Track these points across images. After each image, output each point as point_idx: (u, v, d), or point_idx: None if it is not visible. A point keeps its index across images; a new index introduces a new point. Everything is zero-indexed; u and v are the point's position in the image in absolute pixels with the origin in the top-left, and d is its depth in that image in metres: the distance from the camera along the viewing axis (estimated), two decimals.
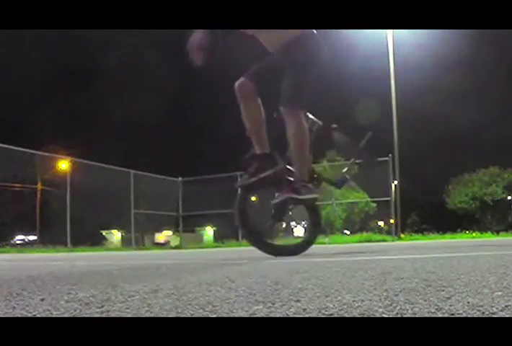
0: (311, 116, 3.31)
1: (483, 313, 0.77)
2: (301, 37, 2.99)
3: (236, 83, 3.05)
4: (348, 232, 23.51)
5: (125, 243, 18.86)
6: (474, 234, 14.39)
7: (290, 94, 3.00)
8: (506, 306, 0.81)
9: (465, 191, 29.31)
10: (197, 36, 2.93)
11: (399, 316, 0.79)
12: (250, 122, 3.07)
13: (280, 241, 3.55)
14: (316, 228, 3.56)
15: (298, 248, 3.40)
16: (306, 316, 0.82)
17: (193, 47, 2.95)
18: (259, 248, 3.14)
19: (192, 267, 2.54)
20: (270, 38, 3.07)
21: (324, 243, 12.20)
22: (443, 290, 1.04)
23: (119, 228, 24.58)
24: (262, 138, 3.10)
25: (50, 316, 0.93)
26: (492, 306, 0.81)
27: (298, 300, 0.98)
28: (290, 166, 3.21)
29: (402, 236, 14.29)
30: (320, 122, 3.39)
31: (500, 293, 0.96)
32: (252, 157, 3.12)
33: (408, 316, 0.78)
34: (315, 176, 3.34)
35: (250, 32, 3.06)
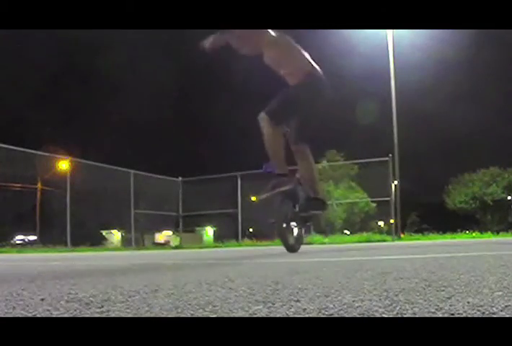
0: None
1: (483, 313, 0.77)
2: (313, 77, 3.58)
3: (258, 117, 3.50)
4: (348, 232, 23.48)
5: (125, 243, 18.86)
6: (474, 234, 14.36)
7: (297, 134, 3.63)
8: (506, 306, 0.81)
9: (465, 191, 29.32)
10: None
11: (399, 316, 0.79)
12: (270, 148, 3.51)
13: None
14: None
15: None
16: (306, 316, 0.82)
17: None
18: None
19: (192, 267, 2.53)
20: (292, 72, 3.60)
21: (324, 243, 12.19)
22: (443, 290, 1.04)
23: (119, 228, 24.60)
24: (281, 161, 3.56)
25: (50, 316, 0.92)
26: (492, 306, 0.81)
27: (298, 300, 0.98)
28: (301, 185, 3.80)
29: (402, 236, 14.26)
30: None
31: (500, 293, 0.96)
32: (273, 176, 3.59)
33: (408, 316, 0.78)
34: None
35: (270, 61, 3.62)
